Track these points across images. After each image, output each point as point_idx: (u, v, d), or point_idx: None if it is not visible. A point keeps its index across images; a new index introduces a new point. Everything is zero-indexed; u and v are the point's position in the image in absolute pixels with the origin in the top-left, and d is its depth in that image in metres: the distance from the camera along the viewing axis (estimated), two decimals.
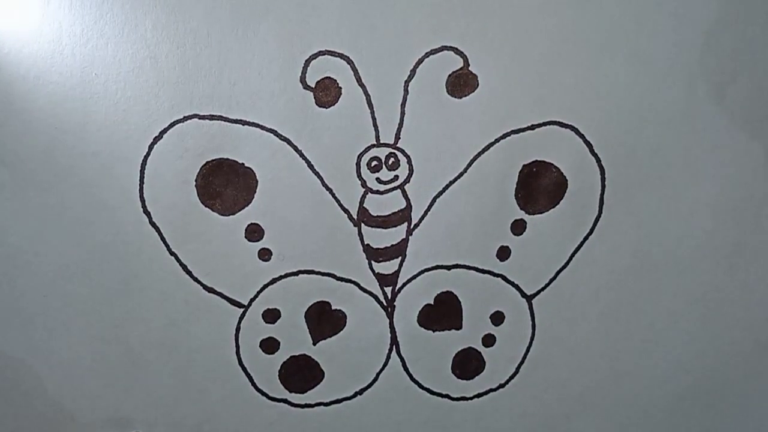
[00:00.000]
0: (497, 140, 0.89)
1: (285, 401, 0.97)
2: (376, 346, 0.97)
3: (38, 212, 0.85)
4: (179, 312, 0.91)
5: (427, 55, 0.85)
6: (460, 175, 0.90)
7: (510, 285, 0.96)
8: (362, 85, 0.85)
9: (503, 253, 0.94)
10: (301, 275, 0.92)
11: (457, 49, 0.85)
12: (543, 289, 0.97)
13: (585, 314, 0.99)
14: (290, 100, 0.84)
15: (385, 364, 0.98)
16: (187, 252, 0.89)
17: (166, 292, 0.90)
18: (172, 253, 0.88)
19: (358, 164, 0.88)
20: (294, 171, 0.87)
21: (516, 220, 0.93)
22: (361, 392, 0.98)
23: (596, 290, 0.98)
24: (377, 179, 0.89)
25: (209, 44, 0.82)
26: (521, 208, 0.93)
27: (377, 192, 0.90)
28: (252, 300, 0.92)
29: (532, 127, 0.89)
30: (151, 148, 0.84)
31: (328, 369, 0.97)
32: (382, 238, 0.92)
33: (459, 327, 0.97)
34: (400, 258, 0.93)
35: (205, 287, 0.90)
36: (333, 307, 0.94)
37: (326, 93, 0.85)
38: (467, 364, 0.99)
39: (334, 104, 0.85)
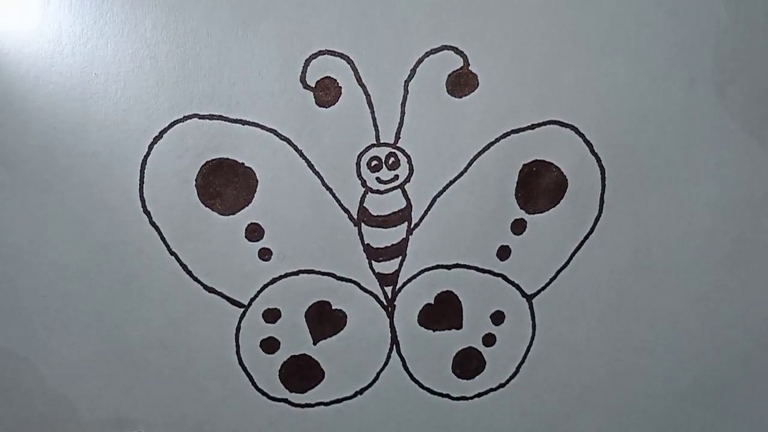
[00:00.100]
0: (497, 140, 0.89)
1: (285, 401, 0.97)
2: (376, 346, 0.97)
3: (38, 212, 0.85)
4: (179, 312, 0.91)
5: (427, 54, 0.85)
6: (461, 174, 0.90)
7: (510, 284, 0.96)
8: (362, 85, 0.85)
9: (503, 253, 0.94)
10: (301, 275, 0.92)
11: (457, 48, 0.85)
12: (543, 288, 0.97)
13: (585, 313, 0.99)
14: (290, 99, 0.84)
15: (386, 364, 0.98)
16: (187, 252, 0.89)
17: (166, 292, 0.90)
18: (172, 253, 0.88)
19: (358, 164, 0.88)
20: (294, 171, 0.87)
21: (516, 220, 0.93)
22: (361, 392, 0.98)
23: (597, 289, 0.98)
24: (377, 179, 0.89)
25: (209, 44, 0.82)
26: (521, 208, 0.93)
27: (377, 191, 0.90)
28: (252, 300, 0.92)
29: (533, 127, 0.89)
30: (151, 147, 0.84)
31: (329, 369, 0.97)
32: (382, 237, 0.92)
33: (459, 326, 0.97)
34: (400, 257, 0.93)
35: (205, 287, 0.90)
36: (333, 307, 0.94)
37: (326, 93, 0.85)
38: (468, 363, 0.99)
39: (334, 104, 0.85)
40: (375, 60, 0.84)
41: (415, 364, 0.98)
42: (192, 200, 0.87)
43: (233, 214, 0.88)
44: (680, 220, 0.96)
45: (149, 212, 0.86)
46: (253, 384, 0.96)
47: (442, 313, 0.96)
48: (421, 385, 1.00)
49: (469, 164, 0.90)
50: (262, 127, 0.85)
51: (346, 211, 0.90)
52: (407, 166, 0.89)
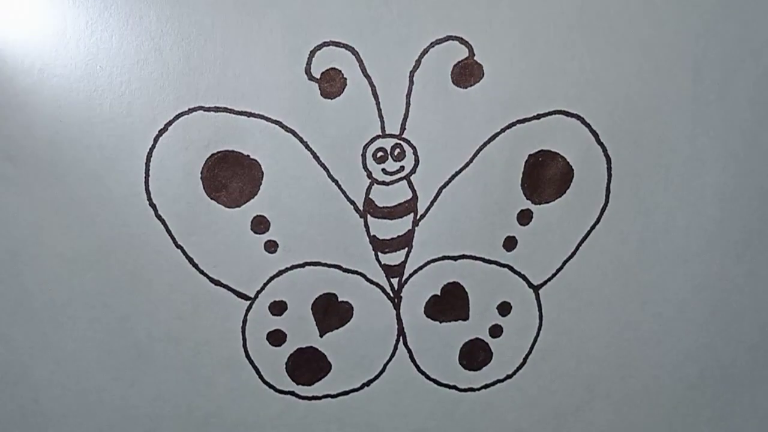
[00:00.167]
0: (503, 130, 0.89)
1: (292, 393, 0.97)
2: (382, 338, 0.97)
3: (43, 205, 0.85)
4: (186, 305, 0.91)
5: (432, 45, 0.85)
6: (466, 165, 0.90)
7: (517, 275, 0.96)
8: (367, 76, 0.85)
9: (510, 244, 0.94)
10: (307, 267, 0.92)
11: (462, 38, 0.85)
12: (550, 279, 0.97)
13: (592, 304, 0.99)
14: (295, 91, 0.84)
15: (392, 356, 0.98)
16: (193, 244, 0.88)
17: (172, 285, 0.90)
18: (178, 246, 0.88)
19: (363, 155, 0.88)
20: (299, 162, 0.87)
21: (522, 210, 0.93)
22: (368, 384, 0.98)
23: (603, 280, 0.98)
24: (383, 170, 0.89)
25: (214, 36, 0.81)
26: (527, 198, 0.92)
27: (383, 183, 0.90)
28: (258, 292, 0.92)
29: (538, 117, 0.89)
30: (156, 140, 0.84)
31: (335, 361, 0.97)
32: (388, 229, 0.92)
33: (466, 318, 0.97)
34: (406, 249, 0.93)
35: (211, 280, 0.90)
36: (339, 299, 0.94)
37: (331, 84, 0.85)
38: (474, 354, 0.99)
39: (339, 95, 0.85)
40: (380, 51, 0.84)
41: (421, 355, 0.98)
42: (197, 193, 0.87)
43: (239, 206, 0.88)
44: (687, 210, 0.96)
45: (155, 205, 0.86)
46: (260, 377, 0.96)
47: (449, 304, 0.96)
48: (427, 377, 1.00)
49: (475, 155, 0.90)
50: (268, 119, 0.85)
51: (351, 202, 0.90)
52: (413, 157, 0.89)
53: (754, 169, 0.95)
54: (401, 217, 0.91)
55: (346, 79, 0.85)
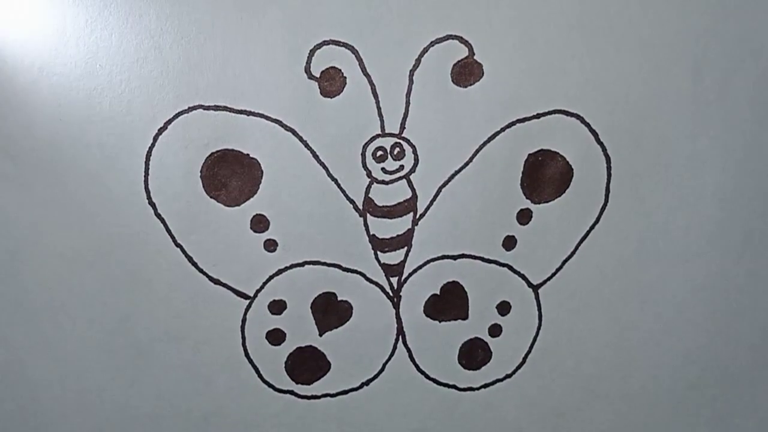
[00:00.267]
0: (502, 129, 0.89)
1: (291, 392, 0.97)
2: (382, 337, 0.97)
3: (43, 204, 0.85)
4: (185, 304, 0.91)
5: (432, 44, 0.85)
6: (466, 164, 0.90)
7: (516, 275, 0.96)
8: (367, 75, 0.85)
9: (509, 243, 0.94)
10: (306, 266, 0.92)
11: (462, 38, 0.85)
12: (549, 278, 0.97)
13: (591, 304, 0.99)
14: (295, 90, 0.84)
15: (392, 355, 0.98)
16: (192, 243, 0.88)
17: (172, 284, 0.90)
18: (177, 245, 0.88)
19: (363, 154, 0.88)
20: (299, 161, 0.87)
21: (522, 210, 0.93)
22: (367, 383, 0.98)
23: (603, 279, 0.98)
24: (382, 169, 0.89)
25: (213, 34, 0.82)
26: (527, 198, 0.92)
27: (383, 182, 0.90)
28: (258, 291, 0.92)
29: (538, 116, 0.89)
30: (155, 139, 0.84)
31: (335, 360, 0.97)
32: (387, 228, 0.92)
33: (465, 317, 0.97)
34: (405, 248, 0.93)
35: (211, 279, 0.90)
36: (339, 298, 0.94)
37: (331, 83, 0.85)
38: (474, 354, 0.99)
39: (339, 94, 0.85)
40: (380, 50, 0.84)
41: (421, 354, 0.98)
42: (197, 191, 0.87)
43: (238, 205, 0.88)
44: (686, 210, 0.96)
45: (154, 204, 0.86)
46: (259, 376, 0.96)
47: (448, 303, 0.96)
48: (427, 376, 1.00)
49: (475, 154, 0.90)
50: (267, 118, 0.85)
51: (351, 201, 0.90)
52: (412, 156, 0.89)
53: (754, 169, 0.95)
54: (401, 216, 0.91)
55: (345, 78, 0.85)
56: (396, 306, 0.96)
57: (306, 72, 0.84)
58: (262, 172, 0.87)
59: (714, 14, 0.89)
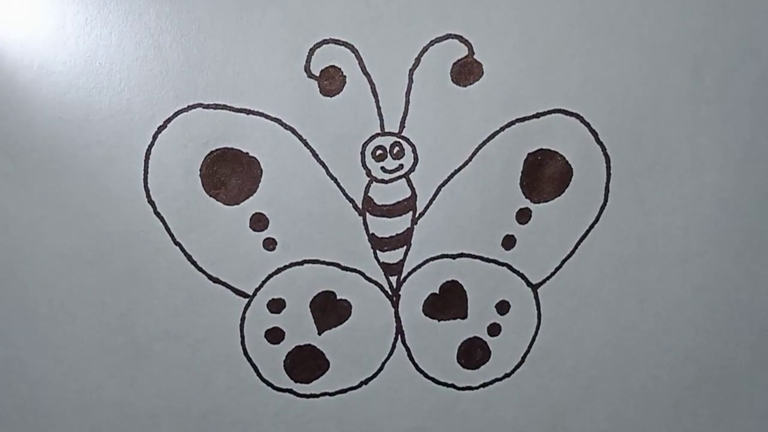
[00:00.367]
0: (502, 129, 0.89)
1: (290, 391, 0.97)
2: (381, 336, 0.97)
3: (42, 202, 0.85)
4: (184, 302, 0.91)
5: (432, 43, 0.85)
6: (465, 163, 0.90)
7: (515, 274, 0.96)
8: (367, 74, 0.85)
9: (508, 242, 0.94)
10: (306, 265, 0.92)
11: (461, 37, 0.85)
12: (549, 278, 0.97)
13: (591, 303, 0.99)
14: (295, 88, 0.84)
15: (391, 354, 0.98)
16: (191, 242, 0.88)
17: (171, 282, 0.90)
18: (176, 243, 0.88)
19: (362, 153, 0.88)
20: (299, 160, 0.87)
21: (521, 209, 0.93)
22: (366, 382, 0.98)
23: (602, 279, 0.98)
24: (382, 168, 0.89)
25: (213, 33, 0.81)
26: (526, 197, 0.92)
27: (382, 181, 0.90)
28: (257, 290, 0.92)
29: (537, 116, 0.89)
30: (155, 137, 0.84)
31: (334, 359, 0.97)
32: (387, 227, 0.92)
33: (464, 316, 0.97)
34: (405, 247, 0.93)
35: (210, 277, 0.90)
36: (338, 297, 0.94)
37: (331, 82, 0.85)
38: (473, 353, 0.99)
39: (338, 93, 0.85)
40: (379, 49, 0.84)
41: (420, 354, 0.98)
42: (196, 190, 0.87)
43: (238, 203, 0.88)
44: (686, 210, 0.96)
45: (153, 202, 0.86)
46: (258, 374, 0.96)
47: (447, 302, 0.96)
48: (426, 375, 0.99)
49: (474, 153, 0.90)
50: (267, 117, 0.85)
51: (350, 200, 0.90)
52: (412, 155, 0.89)
53: (754, 169, 0.95)
54: (400, 215, 0.91)
55: (345, 76, 0.85)
56: (395, 305, 0.96)
57: (306, 71, 0.84)
58: (261, 170, 0.87)
59: (714, 14, 0.89)
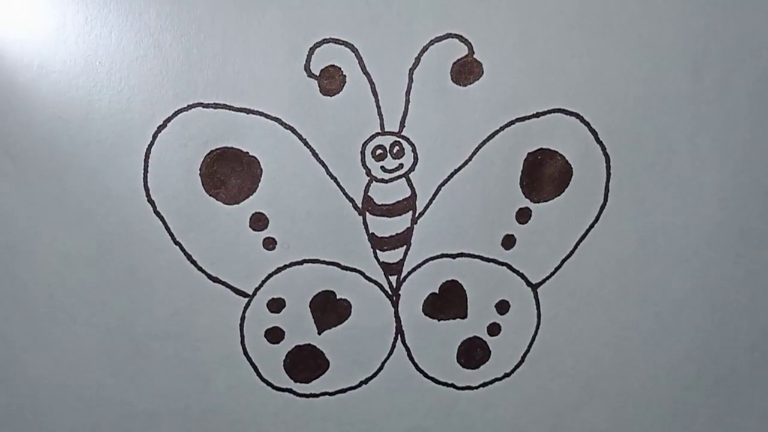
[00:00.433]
0: (502, 128, 0.89)
1: (290, 391, 0.97)
2: (381, 336, 0.97)
3: (42, 201, 0.85)
4: (184, 301, 0.91)
5: (432, 42, 0.85)
6: (465, 163, 0.90)
7: (515, 274, 0.96)
8: (367, 73, 0.85)
9: (508, 242, 0.94)
10: (305, 264, 0.92)
11: (461, 36, 0.85)
12: (548, 277, 0.97)
13: (590, 303, 0.99)
14: (294, 88, 0.84)
15: (390, 354, 0.98)
16: (191, 241, 0.88)
17: (171, 282, 0.90)
18: (176, 243, 0.88)
19: (362, 152, 0.88)
20: (298, 159, 0.87)
21: (521, 209, 0.93)
22: (366, 381, 0.98)
23: (602, 279, 0.98)
24: (382, 168, 0.89)
25: (213, 32, 0.81)
26: (526, 197, 0.92)
27: (382, 180, 0.90)
28: (257, 289, 0.92)
29: (537, 115, 0.89)
30: (155, 137, 0.84)
31: (333, 358, 0.97)
32: (386, 226, 0.92)
33: (464, 316, 0.97)
34: (404, 247, 0.93)
35: (209, 277, 0.90)
36: (338, 297, 0.94)
37: (331, 81, 0.85)
38: (472, 353, 0.99)
39: (338, 92, 0.85)
40: (379, 48, 0.84)
41: (419, 353, 0.98)
42: (196, 189, 0.87)
43: (237, 203, 0.88)
44: (685, 209, 0.96)
45: (153, 201, 0.86)
46: (258, 374, 0.96)
47: (447, 302, 0.96)
48: (425, 375, 0.99)
49: (474, 153, 0.90)
50: (267, 116, 0.85)
51: (350, 200, 0.90)
52: (412, 154, 0.89)
53: (754, 168, 0.95)
54: (400, 214, 0.91)
55: (345, 76, 0.85)
56: (395, 305, 0.96)
57: (306, 70, 0.84)
58: (261, 170, 0.87)
59: (714, 14, 0.89)
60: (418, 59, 0.85)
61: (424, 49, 0.85)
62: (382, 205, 0.91)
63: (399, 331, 0.97)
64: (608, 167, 0.92)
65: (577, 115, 0.90)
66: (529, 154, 0.91)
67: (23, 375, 0.92)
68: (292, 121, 0.86)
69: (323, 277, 0.93)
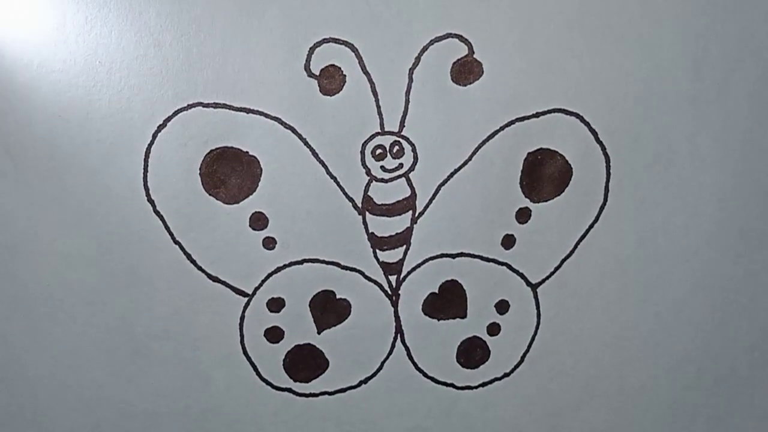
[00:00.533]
0: (502, 128, 0.89)
1: (289, 390, 0.97)
2: (380, 335, 0.97)
3: (41, 201, 0.85)
4: (183, 301, 0.91)
5: (432, 42, 0.85)
6: (465, 163, 0.90)
7: (515, 273, 0.96)
8: (367, 73, 0.85)
9: (508, 242, 0.94)
10: (305, 264, 0.92)
11: (461, 36, 0.85)
12: (548, 277, 0.97)
13: (590, 303, 0.99)
14: (294, 87, 0.84)
15: (390, 353, 0.98)
16: (191, 241, 0.88)
17: (171, 281, 0.90)
18: (176, 242, 0.88)
19: (362, 152, 0.88)
20: (298, 159, 0.87)
21: (521, 209, 0.93)
22: (365, 381, 0.98)
23: (601, 279, 0.98)
24: (382, 167, 0.89)
25: (213, 32, 0.81)
26: (526, 197, 0.92)
27: (382, 180, 0.90)
28: (256, 289, 0.92)
29: (537, 115, 0.89)
30: (154, 136, 0.84)
31: (333, 358, 0.97)
32: (386, 226, 0.92)
33: (464, 316, 0.97)
34: (404, 246, 0.93)
35: (209, 276, 0.90)
36: (337, 296, 0.94)
37: (331, 81, 0.85)
38: (472, 352, 0.99)
39: (338, 92, 0.85)
40: (379, 48, 0.84)
41: (419, 353, 0.98)
42: (196, 189, 0.87)
43: (237, 202, 0.88)
44: (685, 209, 0.96)
45: (153, 201, 0.86)
46: (258, 373, 0.96)
47: (447, 302, 0.96)
48: (425, 375, 0.99)
49: (474, 153, 0.90)
50: (267, 116, 0.85)
51: (350, 199, 0.90)
52: (412, 154, 0.89)
53: (754, 168, 0.95)
54: (400, 214, 0.91)
55: (345, 76, 0.85)
56: (394, 304, 0.96)
57: (305, 70, 0.84)
58: (261, 169, 0.87)
59: (714, 14, 0.89)
60: (418, 59, 0.85)
61: (424, 48, 0.85)
62: (382, 204, 0.91)
63: (399, 330, 0.97)
64: (608, 167, 0.92)
65: (577, 115, 0.90)
66: (529, 154, 0.91)
67: (23, 375, 0.92)
68: (292, 120, 0.86)
69: (323, 277, 0.93)
